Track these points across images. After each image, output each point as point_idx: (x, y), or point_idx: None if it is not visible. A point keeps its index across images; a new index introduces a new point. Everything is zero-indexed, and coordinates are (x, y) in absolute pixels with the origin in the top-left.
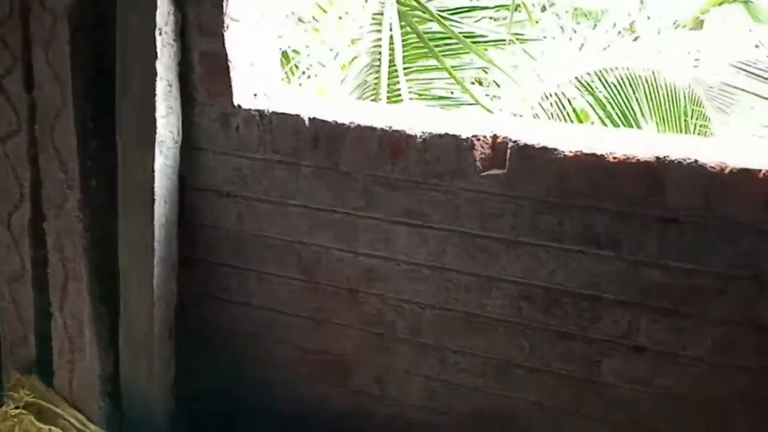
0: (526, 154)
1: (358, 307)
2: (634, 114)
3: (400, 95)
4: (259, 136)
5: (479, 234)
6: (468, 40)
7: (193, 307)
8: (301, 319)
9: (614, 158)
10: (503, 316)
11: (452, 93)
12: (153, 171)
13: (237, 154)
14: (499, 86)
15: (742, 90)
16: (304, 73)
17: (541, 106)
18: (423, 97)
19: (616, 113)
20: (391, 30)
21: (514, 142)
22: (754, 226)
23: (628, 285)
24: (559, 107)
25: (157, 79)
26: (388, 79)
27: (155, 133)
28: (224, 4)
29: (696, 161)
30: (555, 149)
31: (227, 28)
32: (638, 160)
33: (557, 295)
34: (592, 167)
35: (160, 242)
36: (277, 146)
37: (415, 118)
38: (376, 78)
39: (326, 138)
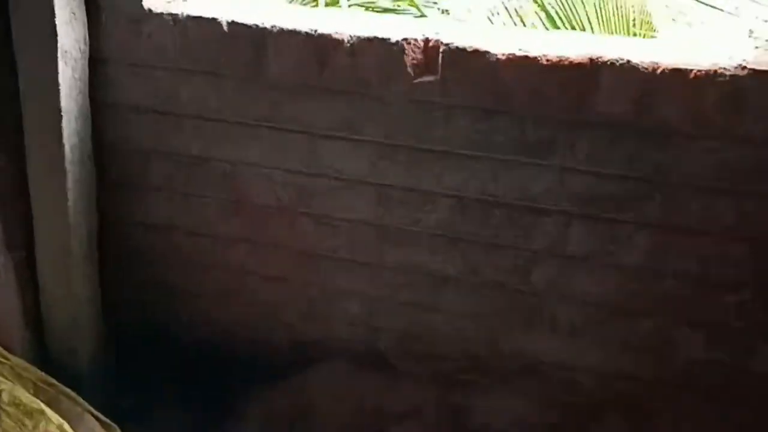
0: (459, 58)
1: (291, 226)
2: (583, 28)
3: (339, 6)
4: (173, 43)
5: (412, 146)
6: None
7: (114, 231)
8: (231, 242)
9: (547, 60)
10: (438, 229)
11: (398, 6)
12: (58, 85)
13: (151, 64)
14: None
15: (697, 1)
16: None
17: (489, 19)
18: (368, 9)
19: (566, 27)
20: None
21: (446, 45)
22: (683, 130)
23: (559, 193)
24: (509, 20)
25: None
26: None
27: (57, 42)
28: None
29: (629, 61)
30: (487, 52)
31: None
32: (571, 61)
33: (490, 207)
34: (525, 70)
35: (74, 163)
36: (194, 55)
37: (343, 22)
38: None
39: (247, 44)
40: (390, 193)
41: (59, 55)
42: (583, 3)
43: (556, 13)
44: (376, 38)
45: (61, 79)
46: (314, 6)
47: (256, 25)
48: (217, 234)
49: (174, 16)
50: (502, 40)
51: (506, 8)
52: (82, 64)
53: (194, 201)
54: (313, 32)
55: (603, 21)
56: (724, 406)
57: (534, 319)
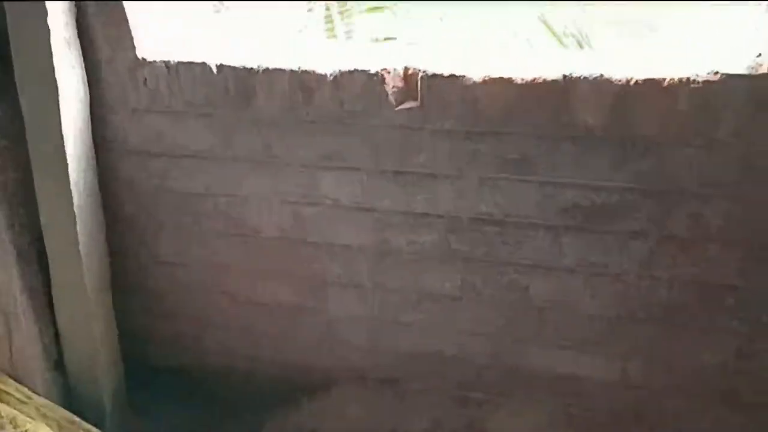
0: (437, 83)
1: (293, 255)
2: (588, 40)
3: (351, 38)
4: (168, 88)
5: (400, 170)
6: None
7: (126, 268)
8: (236, 273)
9: (522, 80)
10: (434, 250)
11: (403, 32)
12: (62, 133)
13: (149, 109)
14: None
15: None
16: (244, 20)
17: (500, 46)
18: (375, 40)
19: (570, 40)
20: None
21: (425, 72)
22: (661, 137)
23: (547, 207)
24: (516, 40)
25: (52, 36)
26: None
27: (58, 93)
28: None
29: (602, 75)
30: (464, 76)
31: None
32: (545, 80)
33: (482, 225)
34: (501, 91)
35: (82, 207)
36: (188, 98)
37: (325, 56)
38: (327, 19)
39: (237, 84)
40: (385, 218)
41: (61, 103)
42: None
43: (563, 32)
44: (357, 71)
45: (64, 127)
46: (331, 37)
47: (244, 66)
48: (223, 266)
49: (167, 62)
50: (478, 64)
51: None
52: (84, 112)
53: (200, 235)
54: (297, 69)
55: (608, 29)
56: (735, 409)
57: (537, 332)
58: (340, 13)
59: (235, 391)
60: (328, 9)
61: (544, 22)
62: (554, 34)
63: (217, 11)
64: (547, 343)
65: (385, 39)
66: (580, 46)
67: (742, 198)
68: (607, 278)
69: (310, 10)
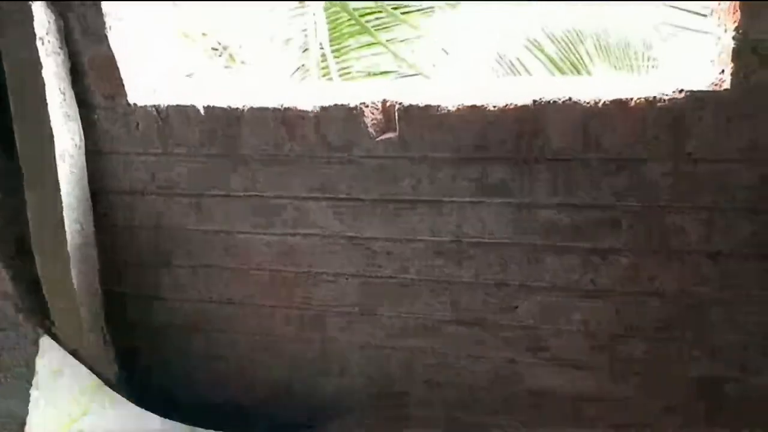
0: (414, 114)
1: (288, 287)
2: (585, 64)
3: (349, 73)
4: (158, 131)
5: (384, 199)
6: (397, 12)
7: (124, 309)
8: (234, 307)
9: (494, 107)
10: (423, 275)
11: (399, 67)
12: (57, 180)
13: (142, 152)
14: (448, 54)
15: (685, 28)
16: (243, 62)
17: (490, 69)
18: (370, 74)
19: (567, 66)
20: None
21: (401, 104)
22: (633, 155)
23: (528, 228)
24: (510, 69)
25: (47, 88)
26: (334, 58)
27: (53, 142)
28: (103, 6)
29: (570, 99)
30: (438, 106)
31: (110, 29)
32: (516, 106)
33: (467, 248)
34: (475, 119)
35: (76, 248)
36: (178, 139)
37: (307, 93)
38: (323, 58)
39: (223, 124)
40: (374, 245)
41: (57, 154)
42: (582, 42)
43: (557, 54)
44: (336, 105)
45: (60, 175)
46: (326, 75)
47: (229, 107)
48: (222, 300)
49: (156, 106)
50: (453, 93)
51: (500, 55)
52: (79, 159)
53: (197, 271)
54: (280, 107)
55: (604, 55)
56: (734, 424)
57: (532, 352)
58: (335, 51)
59: (241, 426)
60: (322, 48)
61: (541, 49)
62: (550, 59)
63: (217, 54)
64: (543, 362)
65: (381, 73)
66: (576, 70)
67: (719, 209)
68: (594, 295)
69: (305, 50)
